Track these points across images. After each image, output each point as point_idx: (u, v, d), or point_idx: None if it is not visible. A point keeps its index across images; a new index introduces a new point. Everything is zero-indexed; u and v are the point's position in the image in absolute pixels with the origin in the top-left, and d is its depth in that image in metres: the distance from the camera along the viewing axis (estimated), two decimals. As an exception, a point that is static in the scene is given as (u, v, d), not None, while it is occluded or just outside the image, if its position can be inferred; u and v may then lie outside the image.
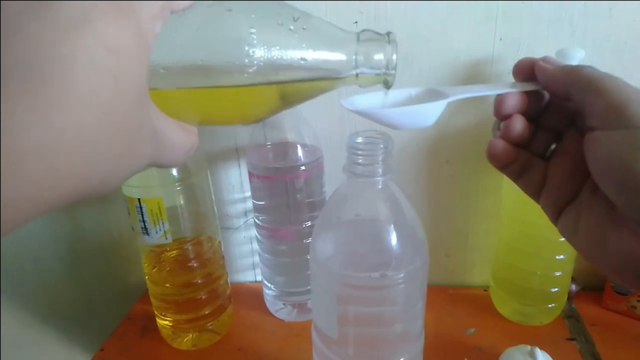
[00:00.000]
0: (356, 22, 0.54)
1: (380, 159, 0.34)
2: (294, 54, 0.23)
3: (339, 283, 0.36)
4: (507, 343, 0.51)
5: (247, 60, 0.22)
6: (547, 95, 0.28)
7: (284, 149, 0.55)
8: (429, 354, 0.44)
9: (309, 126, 0.55)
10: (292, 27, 0.24)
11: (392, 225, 0.36)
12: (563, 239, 0.52)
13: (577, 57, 0.46)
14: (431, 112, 0.27)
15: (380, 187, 0.36)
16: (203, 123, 0.26)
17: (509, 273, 0.58)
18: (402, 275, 0.35)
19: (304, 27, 0.24)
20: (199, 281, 0.54)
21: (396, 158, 0.37)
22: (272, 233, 0.57)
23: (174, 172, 0.50)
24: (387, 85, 0.27)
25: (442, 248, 0.65)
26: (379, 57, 0.25)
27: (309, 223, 0.56)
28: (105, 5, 0.17)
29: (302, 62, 0.24)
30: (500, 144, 0.28)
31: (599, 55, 0.52)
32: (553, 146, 0.29)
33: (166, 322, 0.56)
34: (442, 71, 0.55)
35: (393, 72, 0.26)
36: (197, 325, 0.56)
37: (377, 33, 0.26)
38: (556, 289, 0.55)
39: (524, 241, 0.55)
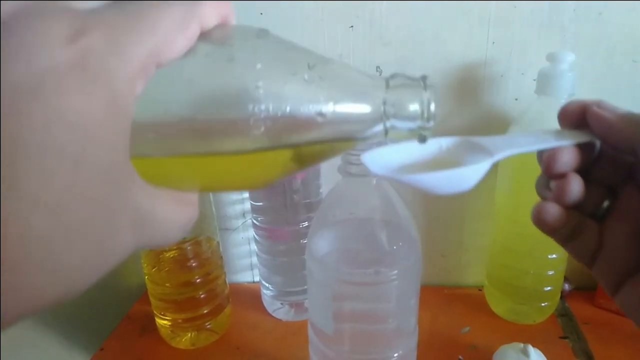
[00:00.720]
0: (352, 26, 0.55)
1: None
2: (309, 110, 0.19)
3: (334, 280, 0.37)
4: (501, 341, 0.52)
5: (252, 121, 0.18)
6: (598, 144, 0.25)
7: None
8: (425, 351, 0.45)
9: (305, 128, 0.56)
10: (306, 77, 0.20)
11: (386, 223, 0.37)
12: (555, 238, 0.53)
13: (567, 61, 0.47)
14: (472, 175, 0.23)
15: (374, 185, 0.37)
16: (205, 191, 0.22)
17: (502, 272, 0.58)
18: (395, 272, 0.36)
19: (321, 75, 0.20)
20: (198, 280, 0.55)
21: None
22: (269, 233, 0.58)
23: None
24: (423, 141, 0.22)
25: (437, 249, 0.66)
26: (413, 107, 0.21)
27: (306, 223, 0.57)
28: (65, 67, 0.14)
29: (319, 119, 0.20)
30: (554, 210, 0.24)
31: (589, 59, 0.54)
32: (606, 203, 0.25)
33: (165, 322, 0.57)
34: (436, 74, 0.56)
35: (431, 125, 0.21)
36: (195, 325, 0.57)
37: (410, 77, 0.22)
38: (549, 288, 0.56)
39: (517, 241, 0.56)
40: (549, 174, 0.25)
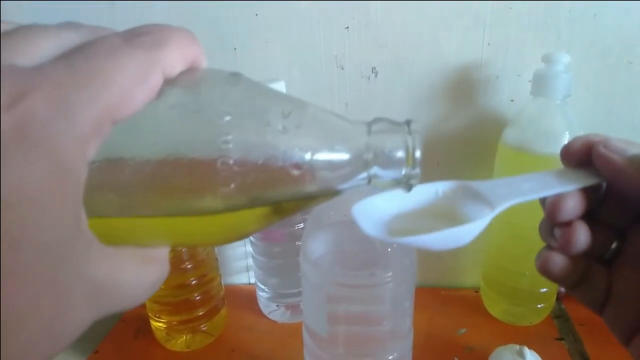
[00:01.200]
0: (347, 27, 0.55)
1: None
2: (285, 163, 0.18)
3: (329, 282, 0.37)
4: (497, 343, 0.51)
5: (221, 178, 0.17)
6: (605, 185, 0.23)
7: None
8: (421, 353, 0.45)
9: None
10: (281, 127, 0.18)
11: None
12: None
13: (563, 62, 0.47)
14: (472, 231, 0.22)
15: (369, 187, 0.36)
16: (175, 247, 0.20)
17: (499, 274, 0.58)
18: (390, 274, 0.36)
19: (298, 123, 0.18)
20: (193, 282, 0.55)
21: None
22: (265, 235, 0.57)
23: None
24: (409, 190, 0.21)
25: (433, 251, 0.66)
26: (397, 154, 0.19)
27: (302, 225, 0.56)
28: (3, 137, 0.12)
29: (295, 172, 0.18)
30: (560, 260, 0.23)
31: (584, 60, 0.54)
32: (614, 245, 0.24)
33: (160, 324, 0.57)
34: (432, 76, 0.56)
35: (416, 173, 0.20)
36: (190, 327, 0.57)
37: (394, 122, 0.20)
38: (545, 290, 0.56)
39: (513, 243, 0.56)
40: (553, 222, 0.23)
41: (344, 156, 0.19)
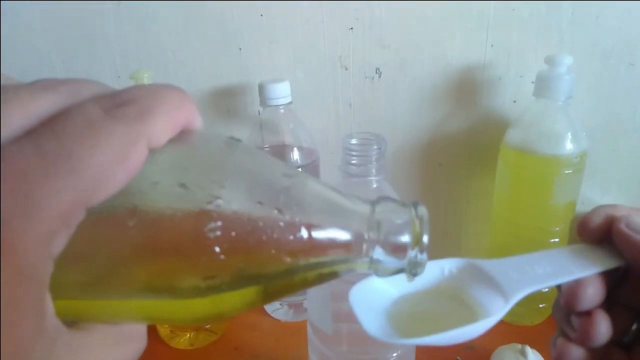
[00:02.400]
0: (351, 28, 0.55)
1: (373, 159, 0.35)
2: (277, 250, 0.16)
3: (335, 280, 0.37)
4: (498, 342, 0.52)
5: (204, 267, 0.15)
6: (625, 265, 0.22)
7: (281, 151, 0.56)
8: (422, 352, 0.45)
9: (305, 129, 0.56)
10: (277, 206, 0.16)
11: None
12: (553, 240, 0.53)
13: (565, 64, 0.48)
14: (484, 328, 0.20)
15: (374, 187, 0.37)
16: (153, 324, 0.18)
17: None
18: (394, 272, 0.36)
19: (296, 202, 0.17)
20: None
21: (390, 161, 0.38)
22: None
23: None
24: (412, 279, 0.19)
25: (436, 250, 0.66)
26: (402, 237, 0.18)
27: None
28: None
29: (288, 260, 0.16)
30: (578, 354, 0.22)
31: (586, 62, 0.54)
32: (635, 327, 0.22)
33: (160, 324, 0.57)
34: (435, 77, 0.57)
35: (423, 260, 0.18)
36: (194, 325, 0.57)
37: (399, 202, 0.19)
38: (546, 290, 0.57)
39: (515, 243, 0.56)
40: (571, 311, 0.21)
41: (343, 238, 0.17)
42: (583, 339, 0.21)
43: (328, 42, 0.56)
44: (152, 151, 0.15)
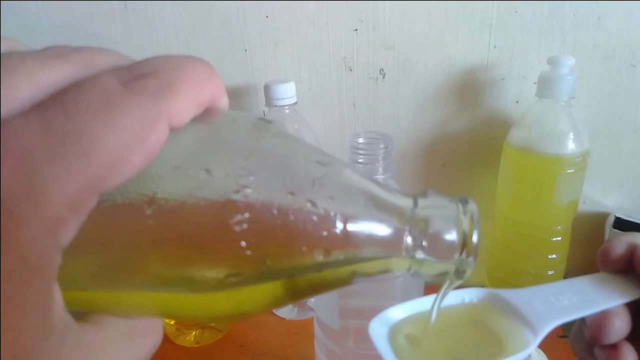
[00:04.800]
0: (356, 29, 0.56)
1: (380, 158, 0.36)
2: (310, 244, 0.15)
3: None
4: (501, 340, 0.52)
5: (230, 260, 0.14)
6: None
7: (286, 151, 0.57)
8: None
9: (309, 128, 0.57)
10: (310, 197, 0.15)
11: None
12: (555, 239, 0.54)
13: (567, 65, 0.49)
14: None
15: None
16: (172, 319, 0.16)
17: (503, 272, 0.59)
18: (401, 269, 0.37)
19: (330, 194, 0.15)
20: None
21: (394, 160, 0.39)
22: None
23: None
24: (460, 279, 0.17)
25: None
26: (449, 236, 0.16)
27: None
28: None
29: (320, 257, 0.15)
30: None
31: (588, 63, 0.55)
32: None
33: (170, 320, 0.58)
34: (439, 78, 0.57)
35: (471, 262, 0.16)
36: (200, 323, 0.58)
37: (446, 198, 0.17)
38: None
39: (518, 241, 0.57)
40: (596, 344, 0.20)
41: (382, 235, 0.16)
42: None
43: (333, 43, 0.57)
44: (174, 131, 0.13)
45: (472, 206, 0.17)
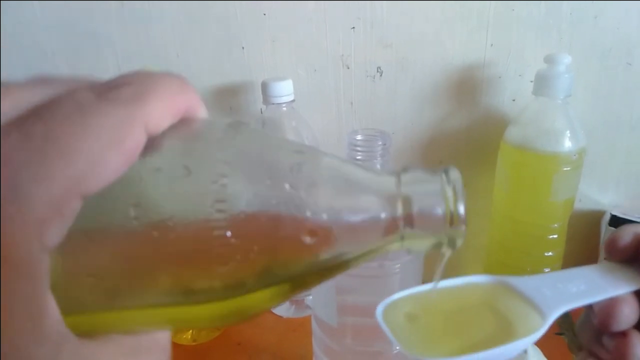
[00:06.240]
0: (353, 27, 0.56)
1: (378, 155, 0.36)
2: (295, 229, 0.15)
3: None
4: (498, 337, 0.53)
5: (216, 255, 0.14)
6: None
7: (284, 149, 0.57)
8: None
9: (307, 126, 0.57)
10: (288, 186, 0.15)
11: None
12: (551, 236, 0.54)
13: (564, 63, 0.49)
14: (523, 345, 0.19)
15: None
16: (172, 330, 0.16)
17: (500, 270, 0.59)
18: (398, 265, 0.37)
19: (310, 179, 0.15)
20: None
21: (391, 158, 0.39)
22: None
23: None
24: (453, 248, 0.17)
25: (435, 247, 0.67)
26: (435, 209, 0.16)
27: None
28: None
29: (309, 240, 0.15)
30: None
31: (585, 61, 0.55)
32: None
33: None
34: (436, 76, 0.58)
35: (461, 231, 0.17)
36: (197, 321, 0.58)
37: (428, 171, 0.17)
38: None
39: (515, 239, 0.57)
40: (605, 331, 0.21)
41: (368, 216, 0.16)
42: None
43: (330, 41, 0.57)
44: (152, 137, 0.14)
45: (455, 174, 0.17)
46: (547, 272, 0.56)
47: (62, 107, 0.12)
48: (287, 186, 0.15)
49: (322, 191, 0.15)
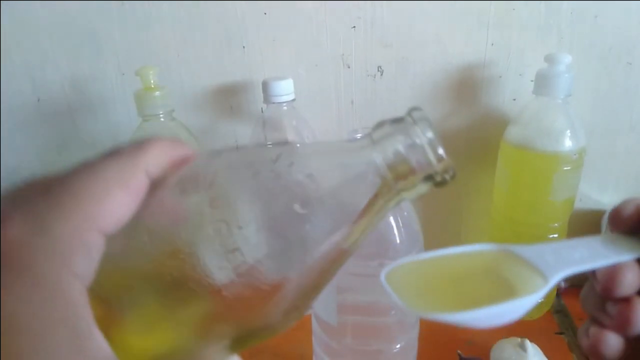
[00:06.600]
0: (354, 27, 0.56)
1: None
2: (286, 206, 0.16)
3: (339, 272, 0.38)
4: (498, 337, 0.52)
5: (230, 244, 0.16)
6: None
7: (284, 148, 0.57)
8: (424, 346, 0.46)
9: (307, 125, 0.57)
10: (274, 170, 0.16)
11: (390, 217, 0.38)
12: (552, 236, 0.54)
13: (564, 62, 0.49)
14: (524, 306, 0.19)
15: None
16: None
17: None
18: (398, 264, 0.37)
19: (290, 161, 0.17)
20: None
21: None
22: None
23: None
24: (443, 183, 0.18)
25: (435, 246, 0.67)
26: (412, 155, 0.17)
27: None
28: None
29: (301, 211, 0.16)
30: (615, 342, 0.21)
31: (585, 61, 0.55)
32: None
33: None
34: (437, 75, 0.58)
35: (442, 158, 0.17)
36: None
37: (395, 120, 0.17)
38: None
39: (514, 239, 0.57)
40: (608, 297, 0.21)
41: (355, 178, 0.17)
42: (622, 326, 0.20)
43: (331, 40, 0.57)
44: (155, 180, 0.16)
45: (420, 113, 0.17)
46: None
47: (75, 167, 0.15)
48: (273, 175, 0.16)
49: (304, 166, 0.17)
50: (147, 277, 0.16)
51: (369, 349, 0.40)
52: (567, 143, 0.50)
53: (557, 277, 0.20)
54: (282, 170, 0.16)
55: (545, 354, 0.50)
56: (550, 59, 0.49)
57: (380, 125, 0.17)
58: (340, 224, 0.17)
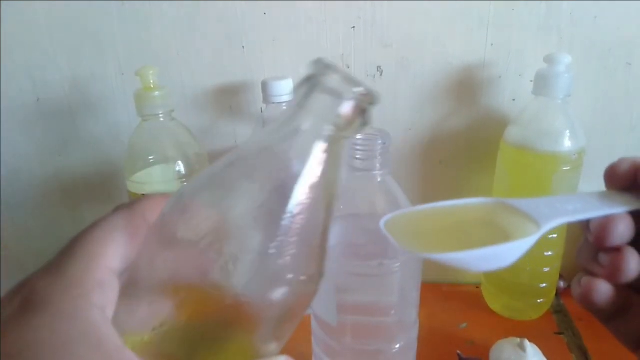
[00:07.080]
0: (354, 27, 0.56)
1: (378, 154, 0.36)
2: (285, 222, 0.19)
3: (339, 272, 0.38)
4: (497, 337, 0.52)
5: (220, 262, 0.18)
6: None
7: (284, 148, 0.57)
8: (424, 346, 0.46)
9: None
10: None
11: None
12: (551, 236, 0.54)
13: (564, 63, 0.49)
14: (516, 251, 0.20)
15: (378, 181, 0.37)
16: None
17: (499, 270, 0.60)
18: (397, 264, 0.37)
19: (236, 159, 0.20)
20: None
21: (391, 158, 0.39)
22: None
23: (179, 168, 0.52)
24: (374, 103, 0.20)
25: (435, 246, 0.67)
26: (333, 100, 0.18)
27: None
28: (11, 311, 0.16)
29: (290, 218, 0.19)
30: (606, 290, 0.21)
31: (585, 61, 0.55)
32: None
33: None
34: (436, 75, 0.58)
35: (371, 94, 0.19)
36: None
37: (309, 77, 0.19)
38: (545, 285, 0.57)
39: (514, 239, 0.57)
40: (601, 247, 0.21)
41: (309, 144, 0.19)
42: (613, 274, 0.21)
43: (330, 40, 0.57)
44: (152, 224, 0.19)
45: (324, 62, 0.18)
46: (545, 273, 0.57)
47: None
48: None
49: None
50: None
51: (368, 348, 0.40)
52: (567, 143, 0.50)
53: (550, 225, 0.20)
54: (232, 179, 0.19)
55: (545, 354, 0.50)
56: (550, 60, 0.49)
57: (298, 89, 0.19)
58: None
